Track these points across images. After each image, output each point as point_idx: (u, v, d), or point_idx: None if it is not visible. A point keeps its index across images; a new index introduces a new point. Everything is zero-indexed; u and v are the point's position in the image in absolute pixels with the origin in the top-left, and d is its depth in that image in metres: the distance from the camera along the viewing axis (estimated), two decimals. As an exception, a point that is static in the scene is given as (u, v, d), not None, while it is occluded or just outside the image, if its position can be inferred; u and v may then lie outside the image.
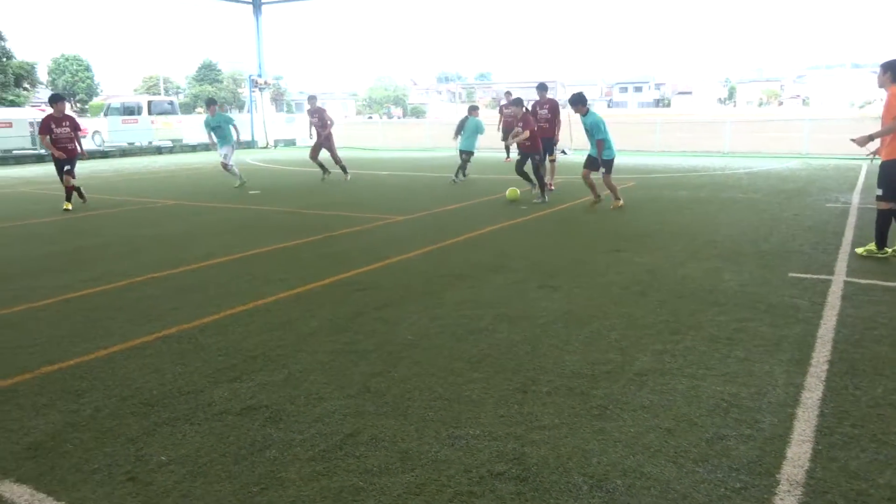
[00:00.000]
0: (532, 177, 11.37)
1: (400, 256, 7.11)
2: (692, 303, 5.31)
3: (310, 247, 7.82)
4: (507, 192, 11.27)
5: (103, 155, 25.67)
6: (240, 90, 59.54)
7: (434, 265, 6.77)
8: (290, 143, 30.82)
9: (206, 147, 28.71)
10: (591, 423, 3.31)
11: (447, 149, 22.82)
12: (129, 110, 29.36)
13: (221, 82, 64.30)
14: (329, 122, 15.18)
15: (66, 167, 11.10)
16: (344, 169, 15.19)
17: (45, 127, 10.91)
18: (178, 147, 28.52)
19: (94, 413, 3.52)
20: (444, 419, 3.36)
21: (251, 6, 29.12)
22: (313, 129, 15.23)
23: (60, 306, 5.52)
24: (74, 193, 11.42)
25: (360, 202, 11.38)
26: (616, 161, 10.38)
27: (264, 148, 29.18)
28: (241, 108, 52.88)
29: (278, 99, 52.13)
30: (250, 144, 29.55)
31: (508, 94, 22.08)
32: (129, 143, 27.79)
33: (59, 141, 10.94)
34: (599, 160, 10.08)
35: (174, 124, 29.63)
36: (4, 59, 50.01)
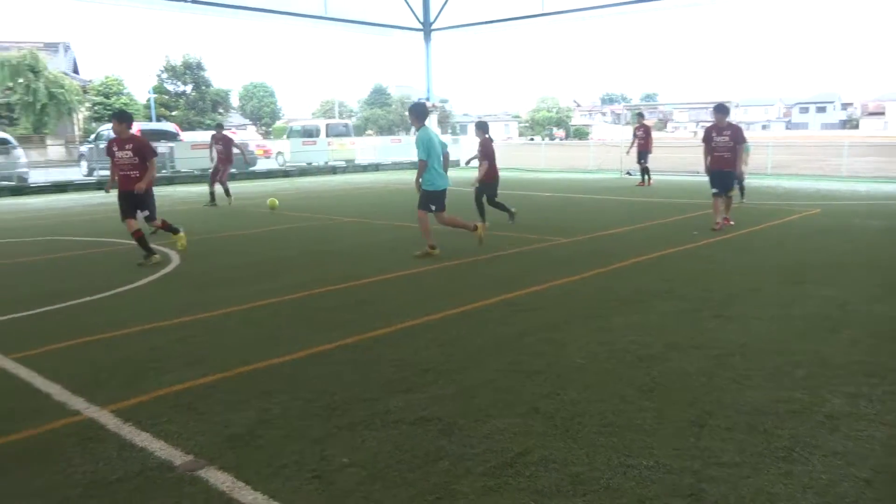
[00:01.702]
0: (480, 211, 10.94)
1: (565, 279, 7.08)
2: (892, 344, 4.83)
3: (475, 266, 7.98)
4: (268, 201, 12.79)
5: (285, 174, 27.77)
6: (406, 113, 62.19)
7: (600, 289, 6.67)
8: (454, 164, 31.66)
9: (376, 168, 30.26)
10: (776, 464, 3.11)
11: (610, 171, 22.43)
12: (309, 132, 31.60)
13: (391, 105, 67.45)
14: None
15: (141, 209, 8.42)
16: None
17: (109, 150, 8.52)
18: (350, 167, 30.24)
19: (283, 412, 3.81)
20: (616, 446, 3.30)
21: (421, 33, 30.39)
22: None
23: (253, 311, 6.04)
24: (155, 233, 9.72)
25: (523, 224, 11.45)
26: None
27: (429, 169, 30.20)
28: (407, 130, 55.12)
29: (444, 121, 53.84)
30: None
31: (641, 115, 21.43)
32: (308, 164, 29.84)
33: (120, 167, 8.39)
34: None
35: (348, 146, 31.46)
36: (204, 87, 55.75)
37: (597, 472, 3.06)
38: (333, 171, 29.14)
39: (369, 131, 59.62)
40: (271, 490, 2.98)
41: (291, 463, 3.23)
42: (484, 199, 11.01)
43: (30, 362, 4.71)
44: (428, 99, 31.02)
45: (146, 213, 8.51)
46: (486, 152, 10.80)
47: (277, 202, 14.09)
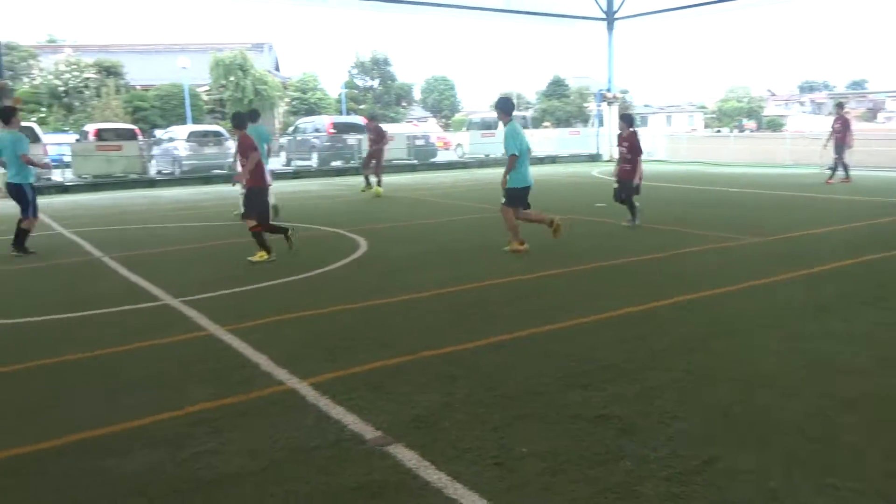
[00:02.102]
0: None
1: (755, 281, 6.63)
2: None
3: (654, 263, 7.72)
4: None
5: (464, 166, 28.42)
6: (585, 105, 60.95)
7: (795, 292, 6.18)
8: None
9: (552, 160, 30.08)
10: None
11: (808, 166, 20.64)
12: (487, 125, 32.05)
13: (568, 97, 66.65)
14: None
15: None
16: None
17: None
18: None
19: (466, 398, 3.93)
20: (816, 463, 3.07)
21: (604, 22, 29.68)
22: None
23: (436, 299, 6.28)
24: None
25: (706, 220, 10.86)
26: None
27: (608, 161, 29.52)
28: (585, 121, 54.15)
29: (624, 113, 52.40)
30: (594, 158, 30.13)
31: (840, 105, 19.31)
32: (486, 155, 30.30)
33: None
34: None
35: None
36: (389, 82, 58.40)
37: (795, 489, 2.86)
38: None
39: (546, 123, 59.31)
40: (454, 472, 3.09)
41: (474, 448, 3.33)
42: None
43: (241, 334, 5.24)
44: (609, 90, 30.31)
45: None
46: (634, 146, 10.18)
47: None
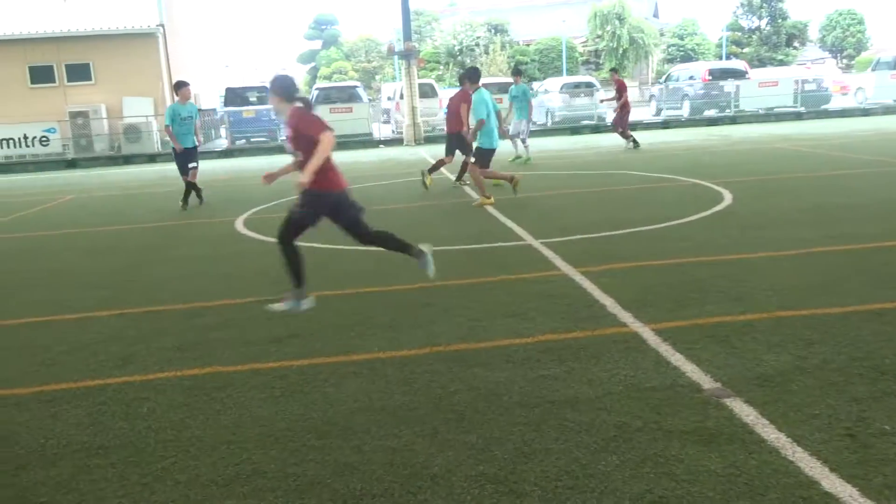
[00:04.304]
0: None
1: None
2: None
3: None
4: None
5: (864, 113, 24.63)
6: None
7: None
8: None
9: None
10: None
11: None
12: (903, 64, 27.06)
13: None
14: None
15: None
16: None
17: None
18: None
19: (822, 364, 3.62)
20: None
21: None
22: None
23: (801, 258, 5.75)
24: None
25: None
26: None
27: None
28: None
29: None
30: None
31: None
32: (895, 100, 25.77)
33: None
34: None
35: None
36: (780, 21, 52.65)
37: None
38: (931, 108, 24.54)
39: None
40: (796, 435, 2.92)
41: (824, 415, 3.08)
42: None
43: (592, 276, 5.49)
44: None
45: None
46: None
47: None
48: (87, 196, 13.30)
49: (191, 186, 10.95)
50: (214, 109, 29.93)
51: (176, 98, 11.05)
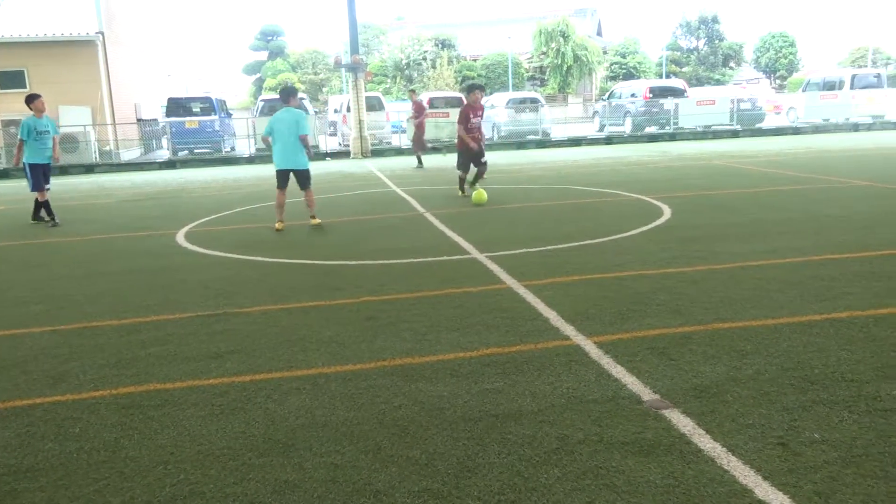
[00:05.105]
0: None
1: None
2: None
3: None
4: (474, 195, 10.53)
5: (795, 131, 25.68)
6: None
7: None
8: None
9: (909, 125, 25.68)
10: None
11: None
12: (830, 85, 28.36)
13: (946, 49, 55.76)
14: None
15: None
16: None
17: (466, 117, 11.03)
18: (878, 124, 26.29)
19: (755, 375, 3.73)
20: None
21: None
22: None
23: (736, 272, 5.94)
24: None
25: None
26: None
27: None
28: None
29: None
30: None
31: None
32: (824, 120, 26.95)
33: (472, 132, 11.02)
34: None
35: (877, 99, 27.29)
36: (716, 42, 54.56)
37: None
38: (855, 128, 25.75)
39: (910, 82, 50.41)
40: (731, 444, 3.00)
41: (757, 424, 3.18)
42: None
43: (536, 290, 5.56)
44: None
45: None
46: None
47: (485, 196, 10.50)
48: (19, 207, 12.80)
49: (42, 205, 10.50)
50: (156, 120, 29.25)
51: (30, 111, 10.51)
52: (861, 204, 9.20)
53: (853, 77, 27.99)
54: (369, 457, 3.07)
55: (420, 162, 18.12)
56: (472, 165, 11.35)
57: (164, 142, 27.25)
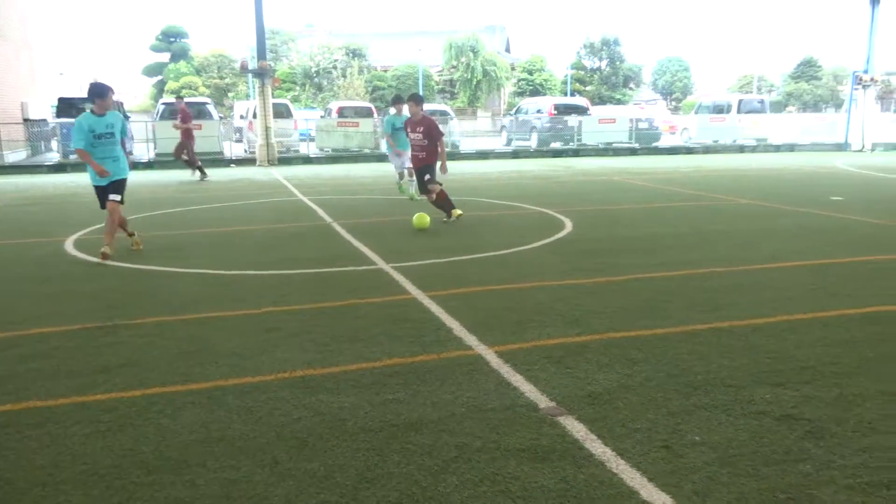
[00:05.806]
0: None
1: None
2: None
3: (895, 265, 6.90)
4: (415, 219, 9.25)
5: (688, 151, 27.08)
6: (840, 87, 54.77)
7: None
8: (894, 146, 27.13)
9: (790, 148, 27.56)
10: None
11: None
12: (719, 108, 30.13)
13: (820, 79, 60.29)
14: None
15: (427, 175, 9.64)
16: None
17: (405, 131, 10.26)
18: (761, 146, 28.12)
19: (644, 381, 3.92)
20: None
21: (868, -4, 26.39)
22: None
23: (630, 283, 6.21)
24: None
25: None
26: None
27: (859, 151, 26.41)
28: (838, 106, 48.69)
29: (886, 97, 46.12)
30: (842, 147, 27.14)
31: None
32: (714, 141, 28.56)
33: (412, 147, 9.92)
34: None
35: (761, 123, 29.21)
36: (617, 63, 56.89)
37: None
38: (741, 149, 27.43)
39: (790, 108, 54.20)
40: (621, 449, 3.14)
41: (644, 429, 3.34)
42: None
43: (440, 300, 5.62)
44: (866, 72, 26.97)
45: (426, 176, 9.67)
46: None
47: (427, 221, 9.34)
48: None
49: None
50: (45, 120, 27.63)
51: None
52: (744, 221, 9.81)
53: (740, 102, 29.86)
54: (266, 471, 3.02)
55: (202, 172, 17.41)
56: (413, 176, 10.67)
57: (55, 144, 25.78)
